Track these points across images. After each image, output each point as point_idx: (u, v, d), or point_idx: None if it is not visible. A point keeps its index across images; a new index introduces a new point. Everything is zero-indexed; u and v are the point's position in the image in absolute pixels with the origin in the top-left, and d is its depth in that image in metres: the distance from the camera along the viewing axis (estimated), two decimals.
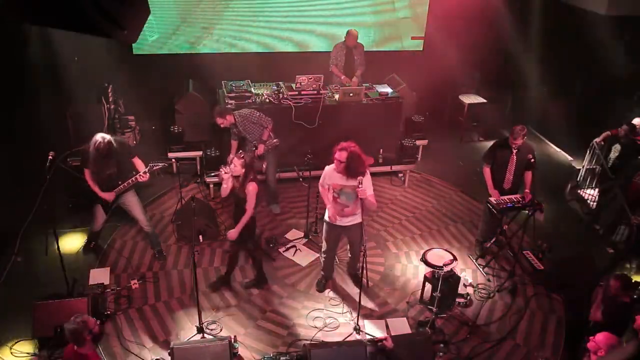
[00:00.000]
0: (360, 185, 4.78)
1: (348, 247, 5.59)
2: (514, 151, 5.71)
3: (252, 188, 4.92)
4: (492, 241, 6.24)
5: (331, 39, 8.70)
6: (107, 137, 5.22)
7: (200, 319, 4.98)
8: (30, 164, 7.09)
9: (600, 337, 3.86)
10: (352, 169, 4.82)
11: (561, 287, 5.65)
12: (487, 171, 5.91)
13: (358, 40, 7.79)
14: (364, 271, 5.19)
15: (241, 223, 5.03)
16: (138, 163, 5.45)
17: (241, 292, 5.59)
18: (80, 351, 3.66)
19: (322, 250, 5.53)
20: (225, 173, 4.97)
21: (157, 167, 5.40)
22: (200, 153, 7.31)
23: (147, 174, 5.34)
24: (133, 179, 5.33)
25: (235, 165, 4.90)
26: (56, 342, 4.60)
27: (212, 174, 5.23)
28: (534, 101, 8.60)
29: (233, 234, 5.10)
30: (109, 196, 5.35)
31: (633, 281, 4.54)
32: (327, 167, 5.08)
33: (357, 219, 5.11)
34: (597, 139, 7.16)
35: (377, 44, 9.00)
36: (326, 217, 5.22)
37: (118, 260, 5.91)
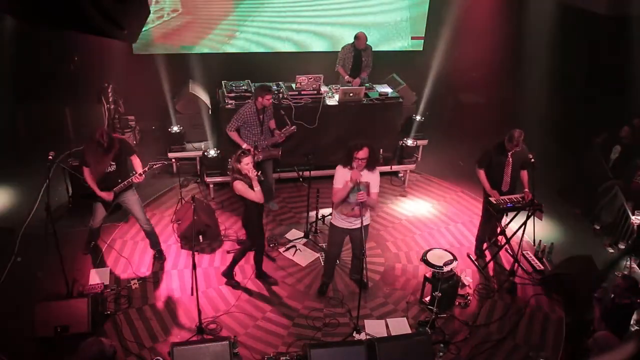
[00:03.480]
0: (359, 187, 4.81)
1: (352, 249, 5.58)
2: (510, 153, 5.69)
3: None
4: (492, 241, 6.25)
5: (331, 39, 8.71)
6: (107, 130, 5.26)
7: (200, 318, 4.99)
8: (30, 164, 7.12)
9: (600, 336, 3.87)
10: (373, 162, 4.93)
11: (561, 287, 5.65)
12: (481, 173, 5.86)
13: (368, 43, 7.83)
14: (364, 271, 5.19)
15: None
16: (136, 162, 5.45)
17: (241, 292, 5.59)
18: None
19: (325, 253, 5.52)
20: (258, 175, 4.92)
21: (157, 165, 5.41)
22: (200, 153, 7.31)
23: (143, 175, 5.35)
24: (129, 179, 5.34)
25: (250, 162, 4.88)
26: (56, 342, 4.61)
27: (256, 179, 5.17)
28: (533, 100, 8.59)
29: None
30: (107, 196, 5.35)
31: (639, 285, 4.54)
32: (338, 167, 5.03)
33: (365, 221, 5.10)
34: (598, 140, 7.16)
35: (377, 44, 8.99)
36: (333, 221, 5.22)
37: (118, 260, 5.91)
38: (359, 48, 7.73)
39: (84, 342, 3.66)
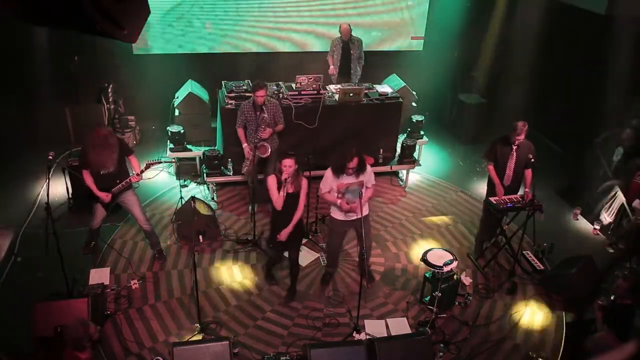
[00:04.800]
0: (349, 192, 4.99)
1: (357, 242, 5.62)
2: (514, 147, 5.71)
3: (305, 182, 4.94)
4: (492, 241, 6.24)
5: (331, 39, 8.69)
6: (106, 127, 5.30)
7: (200, 318, 4.99)
8: (30, 164, 7.13)
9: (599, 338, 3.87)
10: (361, 166, 5.01)
11: (561, 287, 5.65)
12: (491, 169, 5.89)
13: (358, 36, 7.83)
14: (365, 272, 5.19)
15: (294, 220, 4.99)
16: (134, 162, 5.45)
17: (241, 292, 5.59)
18: (80, 356, 3.67)
19: (327, 246, 5.59)
20: (286, 180, 4.82)
21: (155, 164, 5.42)
22: (200, 153, 7.31)
23: (141, 175, 5.35)
24: (128, 179, 5.34)
25: (290, 166, 4.77)
26: (56, 342, 4.60)
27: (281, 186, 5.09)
28: (532, 101, 8.59)
29: (285, 234, 5.03)
30: (105, 197, 5.35)
31: None
32: (327, 172, 5.11)
33: (365, 211, 5.21)
34: (598, 139, 7.15)
35: (377, 44, 9.00)
36: (332, 214, 5.28)
37: (118, 260, 5.91)
38: (345, 39, 7.80)
39: (70, 323, 3.70)
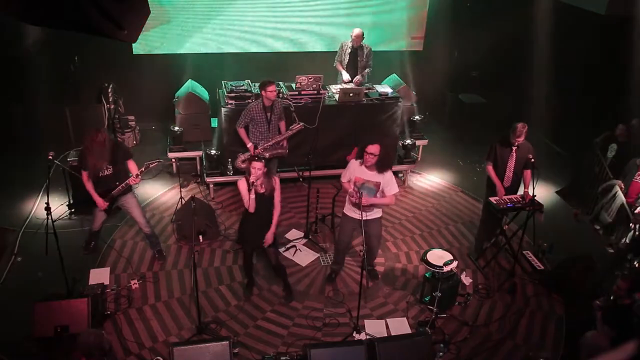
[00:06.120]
0: (362, 188, 5.01)
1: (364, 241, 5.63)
2: (514, 149, 5.72)
3: (277, 181, 4.94)
4: (492, 241, 6.24)
5: (331, 39, 8.71)
6: (104, 130, 5.28)
7: (200, 319, 4.99)
8: (30, 164, 7.13)
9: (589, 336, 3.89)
10: (383, 163, 5.05)
11: (561, 286, 5.64)
12: (490, 169, 5.90)
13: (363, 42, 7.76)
14: (364, 271, 5.19)
15: (275, 221, 5.03)
16: (132, 166, 5.44)
17: (241, 292, 5.59)
18: None
19: (335, 243, 5.69)
20: (254, 183, 4.82)
21: (153, 164, 5.42)
22: (200, 153, 7.31)
23: (139, 177, 5.35)
24: (126, 182, 5.33)
25: (259, 169, 4.77)
26: (56, 342, 4.60)
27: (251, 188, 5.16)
28: (532, 101, 8.59)
29: (270, 237, 5.02)
30: (102, 204, 5.35)
31: None
32: (351, 162, 5.25)
33: (376, 214, 5.27)
34: (597, 139, 7.15)
35: (377, 44, 8.98)
36: (344, 210, 5.36)
37: (118, 260, 5.91)
38: (354, 46, 7.67)
39: (83, 331, 3.76)
